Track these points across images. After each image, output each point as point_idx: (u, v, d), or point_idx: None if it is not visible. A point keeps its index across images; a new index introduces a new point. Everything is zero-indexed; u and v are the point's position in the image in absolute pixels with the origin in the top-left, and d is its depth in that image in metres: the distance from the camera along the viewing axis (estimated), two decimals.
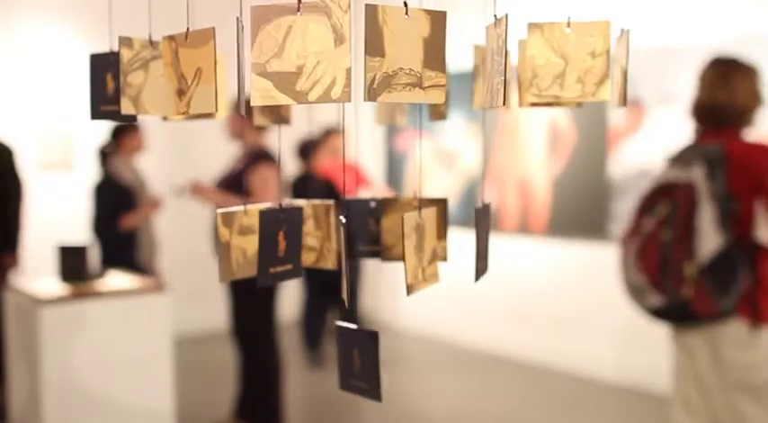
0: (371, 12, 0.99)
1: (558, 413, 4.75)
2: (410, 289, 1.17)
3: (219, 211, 1.22)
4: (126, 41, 1.15)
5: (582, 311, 5.45)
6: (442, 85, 1.06)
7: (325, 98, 0.91)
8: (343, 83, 0.92)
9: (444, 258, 1.30)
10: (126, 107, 1.14)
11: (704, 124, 2.56)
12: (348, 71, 0.92)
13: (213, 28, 1.09)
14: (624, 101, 1.13)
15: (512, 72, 1.17)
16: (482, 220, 1.25)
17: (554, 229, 5.60)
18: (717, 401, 2.46)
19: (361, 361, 1.17)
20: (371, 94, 1.01)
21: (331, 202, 1.33)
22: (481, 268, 1.26)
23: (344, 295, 1.14)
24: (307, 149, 5.38)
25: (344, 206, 1.37)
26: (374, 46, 1.00)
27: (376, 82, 1.00)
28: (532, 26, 1.14)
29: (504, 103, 1.04)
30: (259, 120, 1.50)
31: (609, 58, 1.10)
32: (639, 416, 4.67)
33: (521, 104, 1.23)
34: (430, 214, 1.23)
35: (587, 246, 5.34)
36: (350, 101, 0.97)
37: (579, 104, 1.27)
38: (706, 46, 4.25)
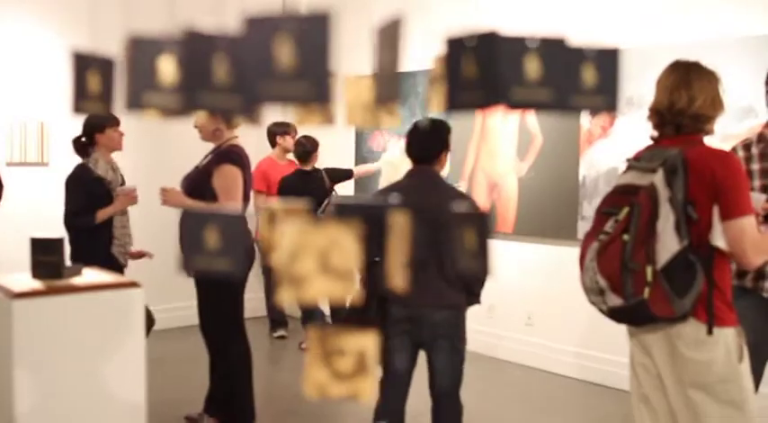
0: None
1: (526, 407, 4.83)
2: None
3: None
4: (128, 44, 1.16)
5: (551, 310, 5.54)
6: None
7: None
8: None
9: None
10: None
11: (661, 129, 2.59)
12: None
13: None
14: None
15: None
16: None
17: (524, 229, 5.68)
18: (673, 397, 2.52)
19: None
20: None
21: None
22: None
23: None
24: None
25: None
26: None
27: None
28: None
29: None
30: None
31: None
32: (604, 410, 4.76)
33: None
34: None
35: (558, 246, 5.43)
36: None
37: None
38: (667, 48, 4.26)
